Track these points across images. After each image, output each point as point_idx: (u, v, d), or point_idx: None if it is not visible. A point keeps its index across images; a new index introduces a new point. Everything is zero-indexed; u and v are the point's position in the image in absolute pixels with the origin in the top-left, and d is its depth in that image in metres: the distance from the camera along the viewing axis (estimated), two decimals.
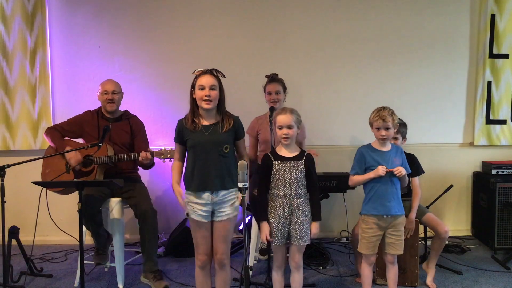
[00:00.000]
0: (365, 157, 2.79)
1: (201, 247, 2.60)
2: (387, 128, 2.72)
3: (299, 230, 2.61)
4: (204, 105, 2.51)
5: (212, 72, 2.56)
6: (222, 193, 2.55)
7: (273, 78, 3.50)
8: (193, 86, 2.55)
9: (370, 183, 2.77)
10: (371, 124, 2.80)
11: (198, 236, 2.59)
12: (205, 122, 2.57)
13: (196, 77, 2.55)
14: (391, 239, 2.76)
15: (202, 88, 2.50)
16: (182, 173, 2.65)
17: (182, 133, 2.58)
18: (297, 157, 2.64)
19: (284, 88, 3.50)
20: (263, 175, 2.65)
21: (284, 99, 3.52)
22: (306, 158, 2.65)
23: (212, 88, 2.51)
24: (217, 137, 2.54)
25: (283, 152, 2.66)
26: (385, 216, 2.74)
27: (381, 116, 2.71)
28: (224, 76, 2.60)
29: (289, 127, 2.60)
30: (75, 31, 4.27)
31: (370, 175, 2.73)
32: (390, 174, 2.72)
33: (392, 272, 2.82)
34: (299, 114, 2.67)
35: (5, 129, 4.25)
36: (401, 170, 2.69)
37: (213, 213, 2.58)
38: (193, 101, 2.56)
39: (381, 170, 2.68)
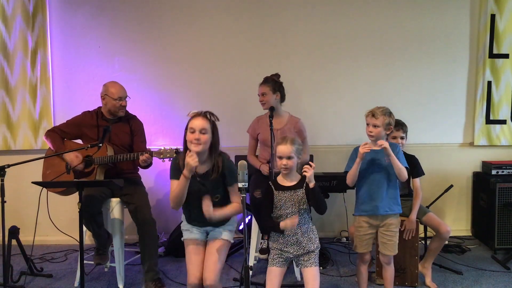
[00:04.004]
0: (357, 155, 2.79)
1: (193, 269, 2.51)
2: (375, 126, 2.69)
3: (307, 256, 2.54)
4: (193, 147, 2.46)
5: (205, 115, 2.52)
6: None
7: (263, 80, 3.52)
8: (186, 128, 2.53)
9: (359, 183, 2.78)
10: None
11: (192, 258, 2.55)
12: (197, 169, 2.53)
13: (190, 119, 2.52)
14: (383, 239, 2.75)
15: (193, 131, 2.48)
16: None
17: (177, 173, 2.54)
18: (298, 185, 2.56)
19: (275, 89, 3.48)
20: (266, 203, 2.60)
21: (277, 98, 3.50)
22: (307, 186, 2.54)
23: (202, 131, 2.47)
24: (208, 186, 2.55)
25: (283, 181, 2.58)
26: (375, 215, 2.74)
27: (372, 112, 2.70)
28: (218, 120, 2.56)
29: (289, 158, 2.52)
30: (75, 31, 4.28)
31: (357, 160, 2.70)
32: (382, 169, 2.71)
33: (388, 273, 2.81)
34: (300, 143, 2.59)
35: (6, 129, 4.25)
36: (382, 142, 2.63)
37: (207, 234, 2.66)
38: (186, 143, 2.54)
39: (361, 149, 2.65)
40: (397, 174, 2.68)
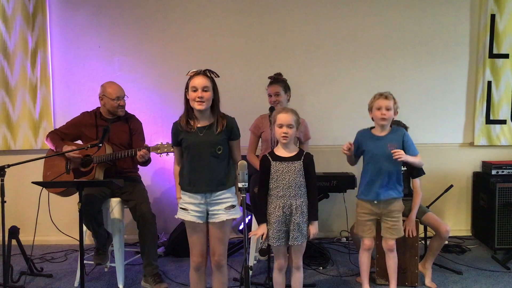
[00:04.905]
0: (359, 141, 2.81)
1: (195, 248, 2.59)
2: (388, 109, 2.68)
3: (295, 231, 2.60)
4: (197, 106, 2.50)
5: (205, 73, 2.54)
6: (216, 194, 2.55)
7: (273, 80, 3.51)
8: (187, 87, 2.54)
9: (364, 168, 2.81)
10: (370, 108, 2.75)
11: (193, 237, 2.58)
12: (200, 124, 2.56)
13: (190, 78, 2.53)
14: (387, 224, 2.76)
15: (195, 90, 2.49)
16: None
17: (178, 135, 2.58)
18: (296, 157, 2.63)
19: (286, 89, 3.49)
20: (262, 177, 2.64)
21: (288, 99, 3.51)
22: (305, 158, 2.63)
23: (204, 89, 2.49)
24: (211, 138, 2.53)
25: (281, 152, 2.65)
26: (375, 202, 2.74)
27: (383, 94, 2.71)
28: (218, 76, 2.59)
29: (289, 126, 2.59)
30: (75, 31, 4.28)
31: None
32: (385, 158, 2.72)
33: (392, 260, 2.81)
34: (298, 116, 2.67)
35: (6, 129, 4.25)
36: (399, 154, 2.64)
37: (207, 213, 2.58)
38: (187, 102, 2.55)
39: (344, 147, 2.76)
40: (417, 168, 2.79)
